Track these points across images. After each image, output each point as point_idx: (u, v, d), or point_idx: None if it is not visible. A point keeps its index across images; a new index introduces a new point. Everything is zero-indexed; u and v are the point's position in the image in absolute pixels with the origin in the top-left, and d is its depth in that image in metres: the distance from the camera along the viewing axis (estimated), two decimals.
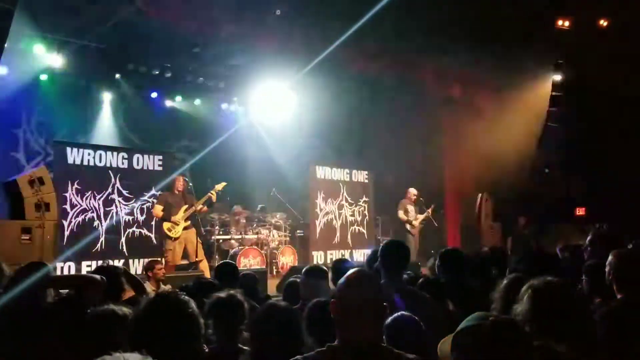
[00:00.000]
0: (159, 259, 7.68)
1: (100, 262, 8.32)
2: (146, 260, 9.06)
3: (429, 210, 10.68)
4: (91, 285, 2.78)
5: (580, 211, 11.57)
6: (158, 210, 8.56)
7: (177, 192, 8.68)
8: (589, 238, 4.44)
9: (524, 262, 4.04)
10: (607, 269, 3.12)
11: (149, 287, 5.32)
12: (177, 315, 1.81)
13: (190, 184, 9.03)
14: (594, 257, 3.93)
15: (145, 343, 1.59)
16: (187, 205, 8.58)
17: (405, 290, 3.34)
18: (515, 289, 2.42)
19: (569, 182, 11.63)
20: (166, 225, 8.45)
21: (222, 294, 2.63)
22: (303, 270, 3.85)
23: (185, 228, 8.49)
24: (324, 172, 11.29)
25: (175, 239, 8.39)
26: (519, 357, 1.40)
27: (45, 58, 9.99)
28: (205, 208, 8.96)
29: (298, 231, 11.51)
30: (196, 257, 8.47)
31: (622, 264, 3.06)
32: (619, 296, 3.04)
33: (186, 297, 1.90)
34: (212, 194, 8.86)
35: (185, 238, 8.47)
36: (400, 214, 10.47)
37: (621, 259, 3.10)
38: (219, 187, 9.01)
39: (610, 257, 3.15)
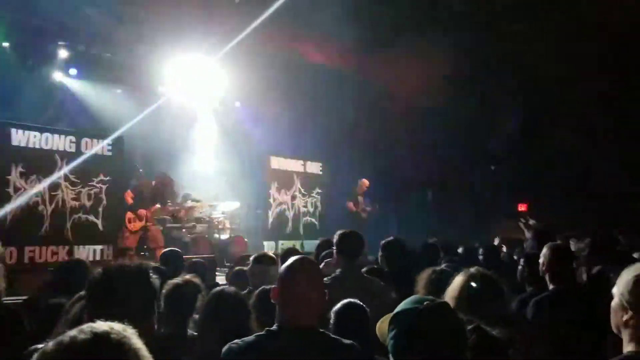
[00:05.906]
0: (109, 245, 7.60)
1: (44, 248, 8.16)
2: (92, 247, 8.93)
3: (371, 208, 10.76)
4: None
5: (522, 207, 12.01)
6: (129, 197, 8.35)
7: (158, 186, 8.44)
8: (529, 233, 4.76)
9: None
10: (540, 261, 3.33)
11: None
12: (137, 279, 1.74)
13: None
14: (532, 250, 4.24)
15: (102, 303, 1.58)
16: (159, 205, 8.32)
17: (361, 277, 3.45)
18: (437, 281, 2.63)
19: (511, 177, 12.08)
20: (129, 215, 8.26)
21: (179, 279, 2.62)
22: (251, 257, 3.88)
23: (145, 226, 8.29)
24: (278, 163, 11.31)
25: (133, 232, 8.26)
26: (452, 339, 1.49)
27: None
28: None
29: (250, 221, 11.47)
30: (157, 244, 8.25)
31: (555, 256, 3.29)
32: (550, 286, 3.26)
33: (149, 268, 1.82)
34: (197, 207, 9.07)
35: (144, 230, 8.31)
36: (350, 205, 10.60)
37: (554, 252, 3.32)
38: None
39: (544, 250, 3.37)
